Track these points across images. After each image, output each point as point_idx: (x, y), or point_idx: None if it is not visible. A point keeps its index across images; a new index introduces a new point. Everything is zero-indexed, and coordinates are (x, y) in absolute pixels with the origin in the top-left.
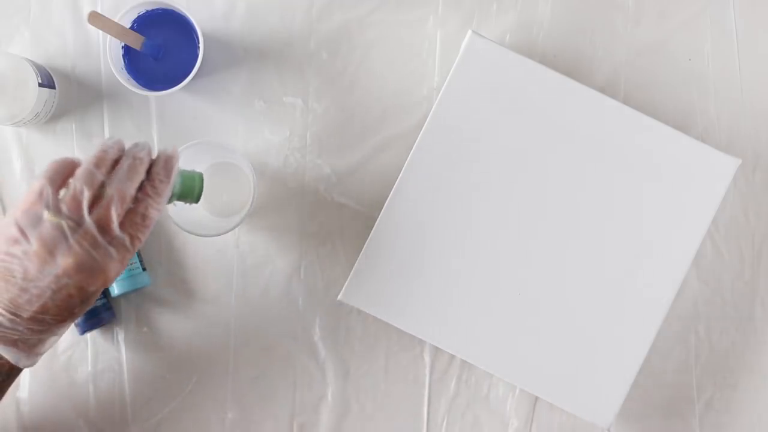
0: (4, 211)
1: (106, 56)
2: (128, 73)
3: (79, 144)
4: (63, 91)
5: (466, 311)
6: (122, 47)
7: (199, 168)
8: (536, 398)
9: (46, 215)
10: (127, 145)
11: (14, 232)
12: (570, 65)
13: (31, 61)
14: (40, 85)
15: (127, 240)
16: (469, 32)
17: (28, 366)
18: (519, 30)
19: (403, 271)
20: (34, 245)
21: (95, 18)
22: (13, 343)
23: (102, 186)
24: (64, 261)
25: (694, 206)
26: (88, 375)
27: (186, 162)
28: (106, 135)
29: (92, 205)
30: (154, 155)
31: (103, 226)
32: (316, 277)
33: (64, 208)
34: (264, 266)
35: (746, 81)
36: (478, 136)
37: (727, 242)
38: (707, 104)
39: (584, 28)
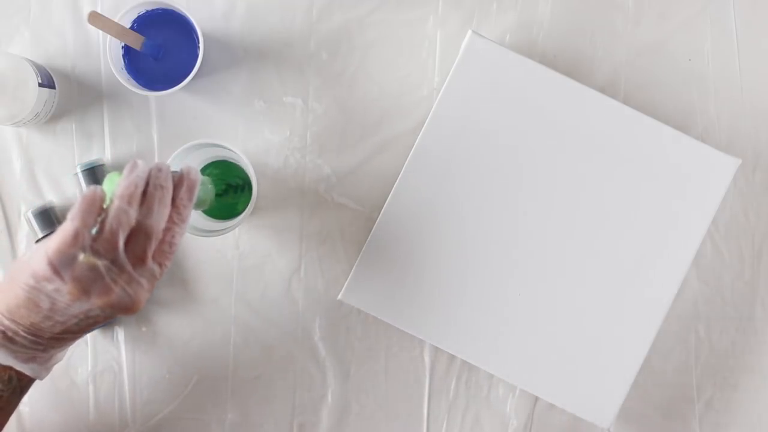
0: (4, 211)
1: (106, 56)
2: (128, 73)
3: (79, 144)
4: (63, 91)
5: (466, 311)
6: (122, 47)
7: (199, 168)
8: (536, 398)
9: (82, 256)
10: (134, 159)
11: (46, 270)
12: (570, 65)
13: (31, 61)
14: (40, 85)
15: (156, 269)
16: (469, 32)
17: (45, 377)
18: (519, 30)
19: (403, 271)
20: (69, 285)
21: (95, 18)
22: (32, 360)
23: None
24: (98, 300)
25: (694, 206)
26: (87, 375)
27: (186, 163)
28: (107, 135)
29: (126, 241)
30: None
31: (138, 263)
32: (316, 277)
33: (99, 248)
34: (264, 266)
35: (746, 81)
36: (478, 136)
37: (727, 242)
38: (707, 104)
39: (584, 28)
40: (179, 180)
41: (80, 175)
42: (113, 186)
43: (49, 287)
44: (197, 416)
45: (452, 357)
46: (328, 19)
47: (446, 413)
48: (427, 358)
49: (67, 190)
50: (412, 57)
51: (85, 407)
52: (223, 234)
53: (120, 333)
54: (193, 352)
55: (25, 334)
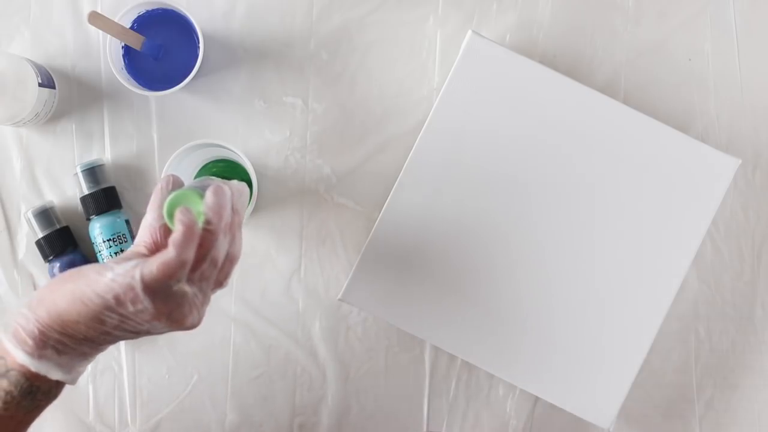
0: (4, 211)
1: (106, 56)
2: (128, 73)
3: (79, 144)
4: (63, 91)
5: (466, 311)
6: (122, 47)
7: (199, 168)
8: (536, 398)
9: (177, 287)
10: (219, 184)
11: (140, 295)
12: (570, 65)
13: (31, 61)
14: (40, 85)
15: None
16: (469, 32)
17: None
18: (519, 30)
19: (403, 271)
20: (156, 310)
21: (95, 18)
22: (75, 370)
23: None
24: (176, 324)
25: (694, 206)
26: (87, 375)
27: (186, 163)
28: (107, 135)
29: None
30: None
31: (217, 287)
32: (316, 277)
33: (196, 278)
34: (264, 266)
35: (746, 81)
36: (478, 136)
37: (727, 242)
38: (707, 104)
39: (584, 28)
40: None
41: (80, 175)
42: (194, 206)
43: (131, 309)
44: (197, 416)
45: (452, 357)
46: (328, 19)
47: (446, 413)
48: (427, 358)
49: (67, 190)
50: (412, 57)
51: (85, 407)
52: None
53: None
54: (193, 352)
55: (74, 347)
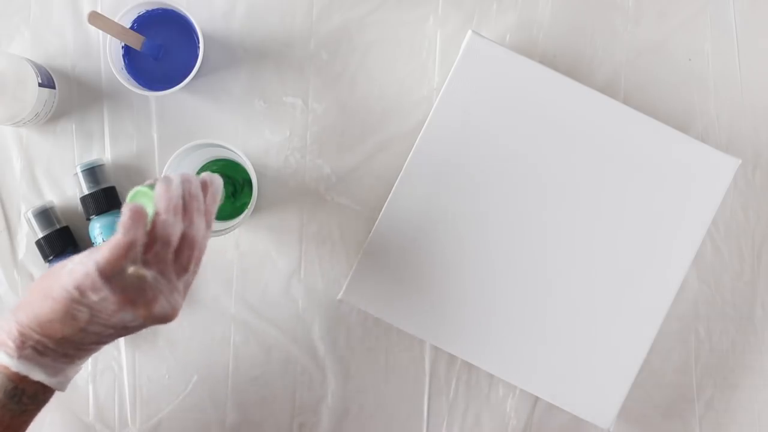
0: (4, 211)
1: (106, 56)
2: (128, 73)
3: (79, 144)
4: (63, 91)
5: (466, 311)
6: (122, 47)
7: (198, 168)
8: (536, 398)
9: (132, 269)
10: (165, 175)
11: (96, 281)
12: (570, 65)
13: (31, 61)
14: (40, 85)
15: (191, 275)
16: (469, 32)
17: (66, 389)
18: (519, 30)
19: (403, 271)
20: (117, 296)
21: (95, 18)
22: (60, 372)
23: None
24: (143, 310)
25: (694, 206)
26: (87, 375)
27: (186, 162)
28: (107, 135)
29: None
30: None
31: (181, 272)
32: (316, 277)
33: (151, 260)
34: (264, 266)
35: (746, 81)
36: (478, 136)
37: (727, 242)
38: (707, 104)
39: (584, 28)
40: (203, 187)
41: (80, 175)
42: (146, 199)
43: (94, 298)
44: (197, 416)
45: (452, 357)
46: (328, 19)
47: (446, 413)
48: (427, 358)
49: (67, 190)
50: (412, 57)
51: (85, 407)
52: (223, 234)
53: None
54: (193, 351)
55: (55, 348)
